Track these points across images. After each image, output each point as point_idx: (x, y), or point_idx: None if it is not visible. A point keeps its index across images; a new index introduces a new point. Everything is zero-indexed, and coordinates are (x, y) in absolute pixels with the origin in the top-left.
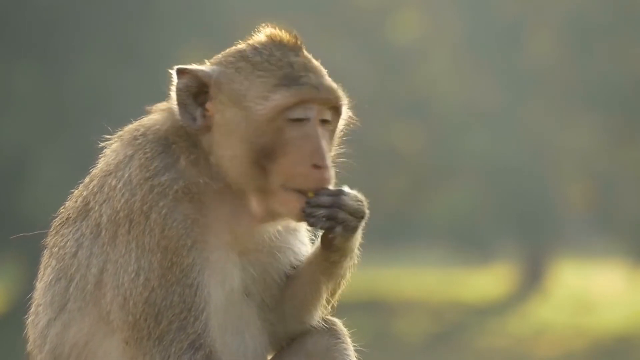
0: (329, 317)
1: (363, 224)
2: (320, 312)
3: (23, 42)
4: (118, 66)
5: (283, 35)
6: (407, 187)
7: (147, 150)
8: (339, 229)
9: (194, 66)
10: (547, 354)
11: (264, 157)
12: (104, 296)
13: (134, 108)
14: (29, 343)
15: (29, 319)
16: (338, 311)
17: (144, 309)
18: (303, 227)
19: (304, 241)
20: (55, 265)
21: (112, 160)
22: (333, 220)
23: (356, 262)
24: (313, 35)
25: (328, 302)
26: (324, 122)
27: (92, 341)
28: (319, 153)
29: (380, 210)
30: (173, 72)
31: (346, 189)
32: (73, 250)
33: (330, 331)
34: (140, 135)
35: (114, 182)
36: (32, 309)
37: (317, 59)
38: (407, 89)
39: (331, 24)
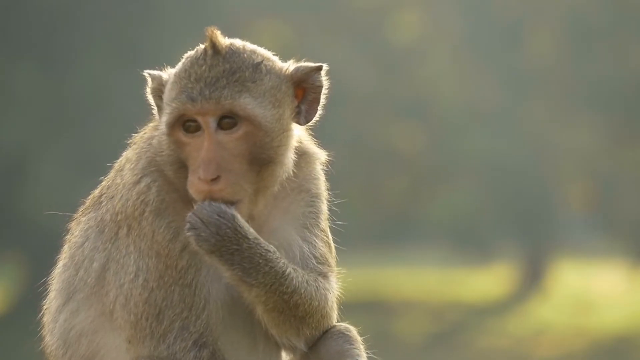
0: (344, 324)
1: (220, 241)
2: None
3: (23, 42)
4: (119, 66)
5: (213, 40)
6: (407, 187)
7: (137, 152)
8: (190, 233)
9: (156, 72)
10: (547, 354)
11: (180, 166)
12: (107, 294)
13: (134, 108)
14: (44, 327)
15: (45, 303)
16: (338, 311)
17: (144, 309)
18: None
19: (306, 238)
20: (67, 252)
21: (124, 157)
22: (188, 223)
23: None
24: (313, 35)
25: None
26: (227, 127)
27: (100, 332)
28: (202, 165)
29: (380, 210)
30: (147, 76)
31: (223, 205)
32: (81, 240)
33: (345, 337)
34: (139, 136)
35: (118, 180)
36: (48, 293)
37: (317, 59)
38: (407, 89)
39: (331, 24)
